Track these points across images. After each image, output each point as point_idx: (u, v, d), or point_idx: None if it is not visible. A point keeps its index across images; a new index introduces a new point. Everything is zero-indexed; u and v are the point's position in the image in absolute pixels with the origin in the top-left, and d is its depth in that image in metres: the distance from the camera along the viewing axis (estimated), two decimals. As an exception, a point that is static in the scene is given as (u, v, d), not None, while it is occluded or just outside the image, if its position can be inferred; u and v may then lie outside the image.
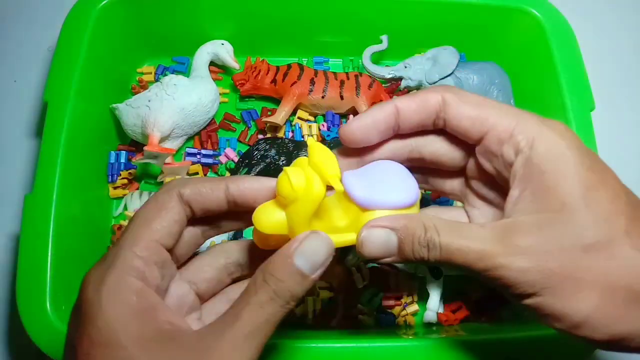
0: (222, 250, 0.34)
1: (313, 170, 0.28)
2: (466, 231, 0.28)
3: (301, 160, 0.29)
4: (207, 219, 0.32)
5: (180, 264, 0.33)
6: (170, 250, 0.30)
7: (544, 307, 0.27)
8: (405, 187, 0.31)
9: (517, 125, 0.28)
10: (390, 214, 0.29)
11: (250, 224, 0.30)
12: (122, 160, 0.57)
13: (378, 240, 0.29)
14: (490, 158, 0.30)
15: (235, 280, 0.34)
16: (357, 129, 0.31)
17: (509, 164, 0.29)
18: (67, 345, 0.28)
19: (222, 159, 0.58)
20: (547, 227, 0.26)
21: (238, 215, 0.32)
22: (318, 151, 0.28)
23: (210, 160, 0.58)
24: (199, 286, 0.32)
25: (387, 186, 0.30)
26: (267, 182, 0.30)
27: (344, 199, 0.30)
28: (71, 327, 0.28)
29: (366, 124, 0.31)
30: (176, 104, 0.55)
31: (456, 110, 0.30)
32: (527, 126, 0.28)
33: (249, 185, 0.30)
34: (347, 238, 0.29)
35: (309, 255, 0.27)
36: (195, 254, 0.34)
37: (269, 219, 0.29)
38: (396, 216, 0.29)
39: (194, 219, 0.31)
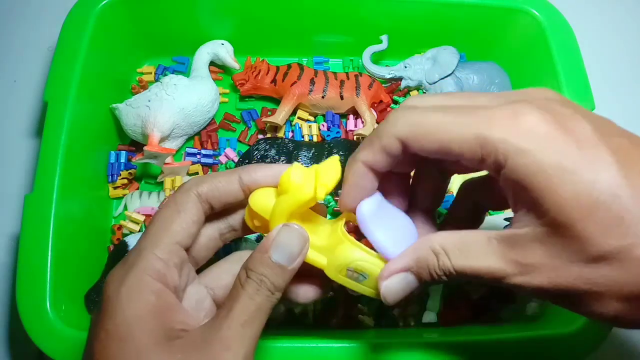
0: (239, 258, 0.35)
1: (316, 176, 0.29)
2: (474, 250, 0.28)
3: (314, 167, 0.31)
4: (224, 219, 0.34)
5: (199, 268, 0.34)
6: (188, 251, 0.32)
7: (571, 309, 0.27)
8: (410, 236, 0.32)
9: (482, 147, 0.26)
10: (374, 256, 0.30)
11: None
12: (122, 160, 0.57)
13: (399, 286, 0.30)
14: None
15: None
16: (352, 203, 0.32)
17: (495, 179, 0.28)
18: (87, 341, 0.29)
19: (222, 159, 0.58)
20: (550, 242, 0.25)
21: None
22: (328, 162, 0.30)
23: (210, 160, 0.58)
24: (216, 292, 0.33)
25: (400, 235, 0.31)
26: (277, 169, 0.32)
27: (334, 223, 0.32)
28: (92, 324, 0.29)
29: (354, 196, 0.31)
30: (176, 104, 0.55)
31: (418, 149, 0.28)
32: (493, 144, 0.25)
33: (261, 174, 0.32)
34: (318, 259, 0.31)
35: (283, 248, 0.29)
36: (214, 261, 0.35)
37: (260, 199, 0.31)
38: (405, 253, 0.30)
39: (212, 218, 0.33)
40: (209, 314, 0.33)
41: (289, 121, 0.60)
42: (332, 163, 0.30)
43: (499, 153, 0.25)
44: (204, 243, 0.33)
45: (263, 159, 0.55)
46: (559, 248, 0.25)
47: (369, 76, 0.61)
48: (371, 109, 0.59)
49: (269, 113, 0.60)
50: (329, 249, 0.31)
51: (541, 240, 0.25)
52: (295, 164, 0.30)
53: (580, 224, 0.24)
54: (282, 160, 0.55)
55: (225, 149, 0.59)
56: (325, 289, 0.33)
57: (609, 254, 0.24)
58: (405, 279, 0.30)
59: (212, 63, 0.61)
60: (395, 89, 0.62)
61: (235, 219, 0.34)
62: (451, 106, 0.28)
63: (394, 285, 0.30)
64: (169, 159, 0.56)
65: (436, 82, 0.60)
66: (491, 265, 0.27)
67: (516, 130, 0.25)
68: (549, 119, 0.25)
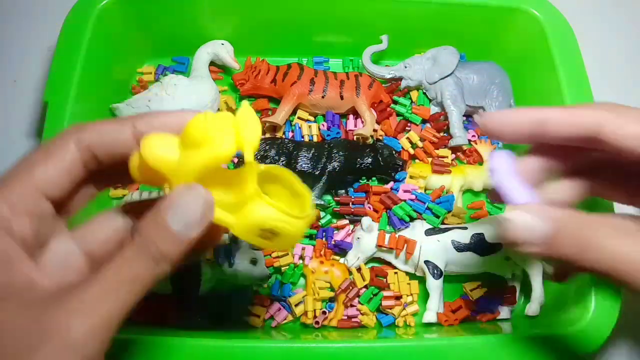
0: (122, 211, 0.30)
1: (234, 129, 0.25)
2: (627, 239, 0.27)
3: (228, 115, 0.26)
4: (110, 175, 0.29)
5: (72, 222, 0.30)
6: (59, 205, 0.27)
7: None
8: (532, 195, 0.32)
9: None
10: None
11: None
12: (122, 160, 0.57)
13: (525, 225, 0.28)
14: None
15: None
16: (497, 120, 0.31)
17: None
18: None
19: (222, 159, 0.58)
20: None
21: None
22: (244, 110, 0.26)
23: (210, 160, 0.58)
24: (91, 247, 0.29)
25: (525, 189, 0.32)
26: (182, 117, 0.27)
27: (241, 174, 0.26)
28: None
29: (508, 120, 0.31)
30: (176, 103, 0.55)
31: (618, 129, 0.28)
32: None
33: (160, 121, 0.27)
34: (225, 218, 0.27)
35: (182, 213, 0.24)
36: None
37: (157, 147, 0.25)
38: (549, 207, 0.29)
39: (101, 179, 0.29)
40: (80, 274, 0.28)
41: (289, 121, 0.60)
42: (248, 112, 0.25)
43: None
44: (79, 198, 0.29)
45: (263, 160, 0.55)
46: None
47: (369, 76, 0.61)
48: (371, 109, 0.59)
49: (269, 113, 0.60)
50: (238, 205, 0.26)
51: None
52: (210, 113, 0.25)
53: None
54: (282, 161, 0.55)
55: (225, 149, 0.59)
56: (216, 240, 0.30)
57: None
58: (536, 223, 0.28)
59: (212, 63, 0.61)
60: (395, 89, 0.62)
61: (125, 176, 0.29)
62: None
63: (521, 221, 0.28)
64: (169, 159, 0.56)
65: (436, 82, 0.60)
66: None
67: None
68: None
